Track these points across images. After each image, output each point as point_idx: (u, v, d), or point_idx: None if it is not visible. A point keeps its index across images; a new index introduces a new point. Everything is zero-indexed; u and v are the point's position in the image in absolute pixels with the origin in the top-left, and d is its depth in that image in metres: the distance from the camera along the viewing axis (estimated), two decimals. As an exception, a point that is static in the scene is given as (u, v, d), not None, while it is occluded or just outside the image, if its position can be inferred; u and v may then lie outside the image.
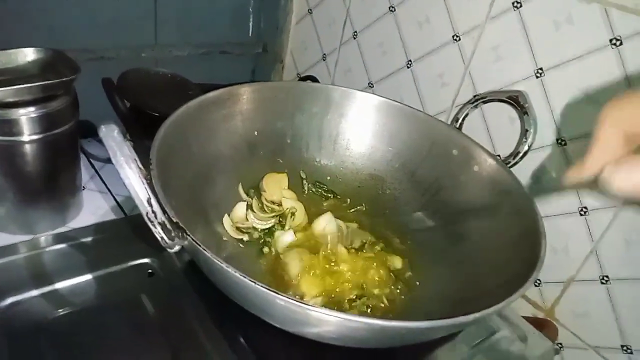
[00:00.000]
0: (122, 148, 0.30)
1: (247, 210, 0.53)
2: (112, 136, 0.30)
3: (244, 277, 0.31)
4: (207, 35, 0.85)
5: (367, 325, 0.34)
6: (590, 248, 0.56)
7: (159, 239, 0.32)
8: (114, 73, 0.70)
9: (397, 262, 0.54)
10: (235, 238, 0.51)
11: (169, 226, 0.32)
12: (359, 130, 0.62)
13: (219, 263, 0.31)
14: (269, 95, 0.59)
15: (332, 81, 0.84)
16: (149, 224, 0.31)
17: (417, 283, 0.52)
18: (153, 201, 0.31)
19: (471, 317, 0.34)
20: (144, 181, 0.30)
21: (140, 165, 0.36)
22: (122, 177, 0.30)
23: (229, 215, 0.53)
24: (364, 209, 0.61)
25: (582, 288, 0.57)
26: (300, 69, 0.90)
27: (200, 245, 0.32)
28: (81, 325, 0.43)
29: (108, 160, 0.62)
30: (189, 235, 0.33)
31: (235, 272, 0.31)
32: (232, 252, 0.50)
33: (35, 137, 0.52)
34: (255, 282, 0.31)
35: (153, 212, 0.31)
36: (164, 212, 0.34)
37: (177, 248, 0.34)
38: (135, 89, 0.71)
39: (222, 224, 0.51)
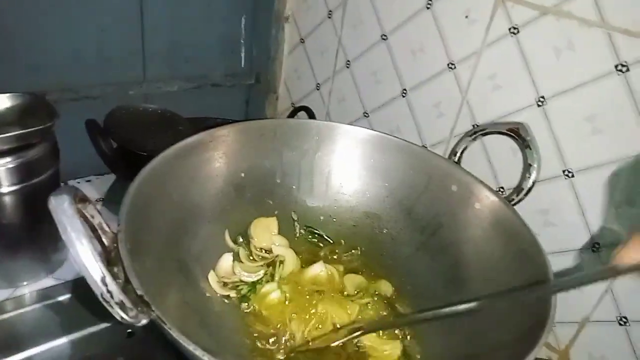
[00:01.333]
0: (72, 222, 0.27)
1: (233, 261, 0.50)
2: (62, 209, 0.27)
3: None
4: (197, 68, 0.83)
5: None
6: (604, 287, 0.52)
7: (119, 318, 0.29)
8: (100, 112, 0.68)
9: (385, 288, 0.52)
10: (221, 295, 0.48)
11: (128, 305, 0.29)
12: (352, 167, 0.59)
13: (187, 345, 0.28)
14: (254, 135, 0.56)
15: (326, 111, 0.81)
16: (105, 304, 0.28)
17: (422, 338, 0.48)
18: (108, 280, 0.28)
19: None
20: (97, 258, 0.27)
21: (105, 227, 0.33)
22: (73, 255, 0.27)
23: (214, 270, 0.49)
24: (359, 252, 0.57)
25: (599, 329, 0.53)
26: (294, 99, 0.88)
27: (165, 324, 0.29)
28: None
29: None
30: (153, 312, 0.30)
31: (204, 355, 0.28)
32: (216, 309, 0.46)
33: (13, 188, 0.50)
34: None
35: (108, 291, 0.28)
36: (128, 282, 0.31)
37: (143, 322, 0.31)
38: (122, 127, 0.69)
39: (207, 279, 0.48)
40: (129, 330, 0.47)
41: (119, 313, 0.28)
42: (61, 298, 0.49)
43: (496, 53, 0.56)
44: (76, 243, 0.27)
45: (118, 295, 0.28)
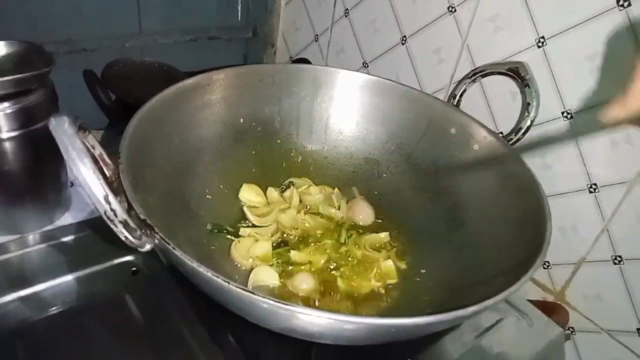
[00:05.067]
0: (74, 142, 0.27)
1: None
2: (62, 129, 0.27)
3: (217, 277, 0.29)
4: (194, 20, 0.81)
5: (357, 325, 0.31)
6: (601, 227, 0.52)
7: (123, 238, 0.29)
8: (98, 65, 0.68)
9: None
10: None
11: (132, 224, 0.29)
12: (350, 112, 0.59)
13: (190, 262, 0.29)
14: (253, 80, 0.55)
15: (325, 63, 0.80)
16: (109, 223, 0.28)
17: (422, 271, 0.49)
18: (111, 198, 0.28)
19: (469, 310, 0.31)
20: (100, 177, 0.28)
21: (106, 158, 0.33)
22: (76, 174, 0.27)
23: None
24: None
25: (594, 269, 0.54)
26: (293, 52, 0.87)
27: (169, 244, 0.30)
28: (61, 329, 0.41)
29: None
30: (157, 233, 0.30)
31: (207, 271, 0.29)
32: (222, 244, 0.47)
33: (13, 133, 0.50)
34: (229, 283, 0.28)
35: (112, 209, 0.28)
36: (131, 208, 0.31)
37: (148, 247, 0.31)
38: (120, 80, 0.69)
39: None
40: (134, 269, 0.47)
41: (122, 232, 0.29)
42: (65, 239, 0.50)
43: (497, -8, 0.55)
44: (78, 162, 0.27)
45: (121, 214, 0.29)
